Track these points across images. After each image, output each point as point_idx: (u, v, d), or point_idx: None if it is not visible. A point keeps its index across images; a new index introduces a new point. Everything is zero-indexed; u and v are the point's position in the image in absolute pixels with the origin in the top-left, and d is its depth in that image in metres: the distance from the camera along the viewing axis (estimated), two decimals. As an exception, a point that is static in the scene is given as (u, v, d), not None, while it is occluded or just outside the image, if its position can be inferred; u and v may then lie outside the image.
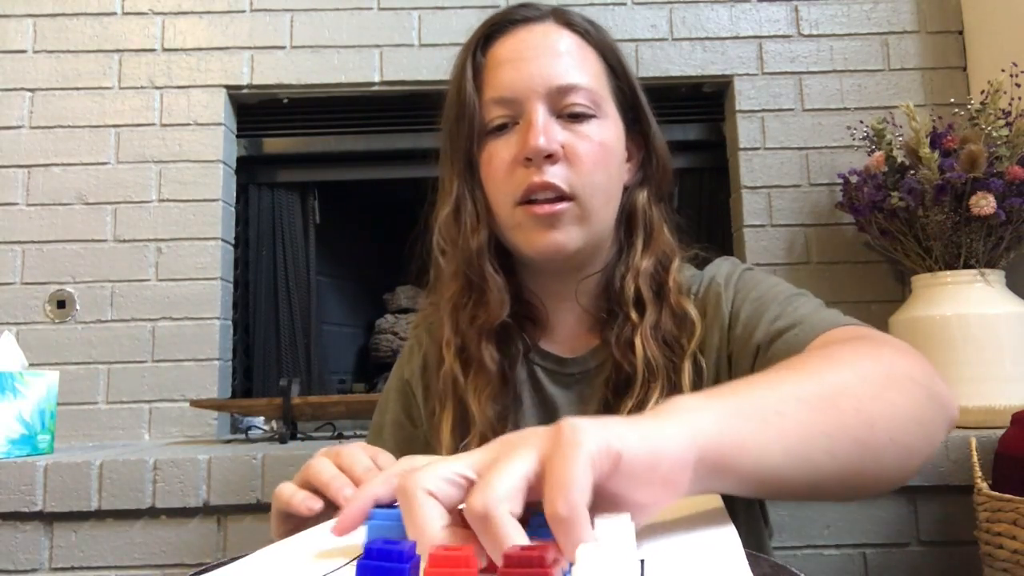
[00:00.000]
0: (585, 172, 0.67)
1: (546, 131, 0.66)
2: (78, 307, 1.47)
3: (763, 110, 1.55)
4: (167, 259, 1.48)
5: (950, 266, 1.26)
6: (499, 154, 0.69)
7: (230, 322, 1.54)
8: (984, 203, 1.19)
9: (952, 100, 1.44)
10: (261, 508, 1.10)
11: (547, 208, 0.66)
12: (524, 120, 0.67)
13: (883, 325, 1.37)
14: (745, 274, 0.73)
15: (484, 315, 0.70)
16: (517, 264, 0.75)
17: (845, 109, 1.54)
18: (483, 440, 0.66)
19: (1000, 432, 1.07)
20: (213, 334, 1.47)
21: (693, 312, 0.70)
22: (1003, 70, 1.30)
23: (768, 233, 1.52)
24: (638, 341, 0.67)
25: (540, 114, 0.66)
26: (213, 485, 1.10)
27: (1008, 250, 1.26)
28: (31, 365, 1.29)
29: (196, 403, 1.32)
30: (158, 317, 1.47)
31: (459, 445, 0.68)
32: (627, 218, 0.74)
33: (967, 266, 1.25)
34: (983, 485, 1.02)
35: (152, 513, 1.11)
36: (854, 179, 1.37)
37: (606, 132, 0.69)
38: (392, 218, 1.93)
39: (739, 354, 0.68)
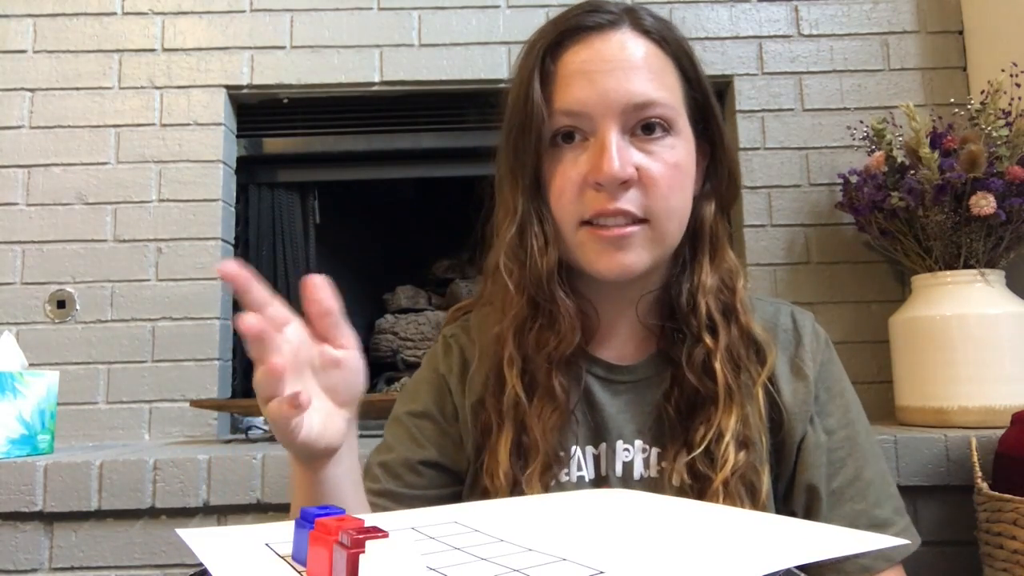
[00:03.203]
0: (660, 196, 0.63)
1: (620, 155, 0.62)
2: (78, 307, 1.47)
3: (763, 110, 1.55)
4: (167, 259, 1.48)
5: (950, 266, 1.26)
6: (566, 172, 0.64)
7: (230, 322, 1.54)
8: (984, 203, 1.19)
9: (952, 100, 1.44)
10: (261, 508, 1.10)
11: (616, 231, 0.63)
12: (597, 140, 0.63)
13: (883, 325, 1.37)
14: (832, 349, 0.73)
15: (555, 342, 0.66)
16: (572, 274, 0.72)
17: (845, 109, 1.54)
18: (545, 468, 0.64)
19: (1000, 432, 1.07)
20: (213, 334, 1.47)
21: (763, 336, 0.68)
22: (1003, 70, 1.30)
23: (768, 233, 1.52)
24: (718, 367, 0.65)
25: (614, 137, 0.62)
26: (213, 485, 1.10)
27: (1008, 250, 1.26)
28: (31, 365, 1.29)
29: (196, 403, 1.32)
30: (158, 317, 1.47)
31: (518, 470, 0.65)
32: (692, 232, 0.70)
33: (967, 266, 1.25)
34: (983, 485, 1.02)
35: (152, 513, 1.11)
36: (854, 179, 1.37)
37: (680, 151, 0.65)
38: (392, 218, 1.94)
39: (792, 437, 0.68)
